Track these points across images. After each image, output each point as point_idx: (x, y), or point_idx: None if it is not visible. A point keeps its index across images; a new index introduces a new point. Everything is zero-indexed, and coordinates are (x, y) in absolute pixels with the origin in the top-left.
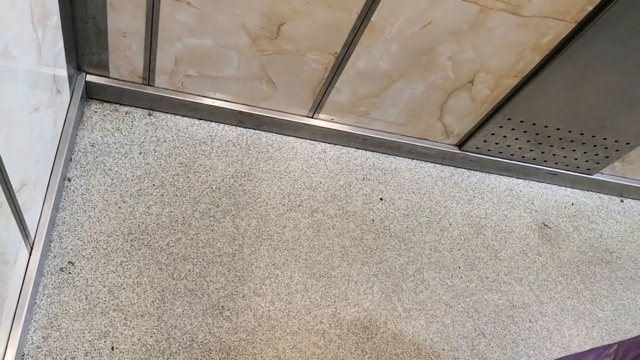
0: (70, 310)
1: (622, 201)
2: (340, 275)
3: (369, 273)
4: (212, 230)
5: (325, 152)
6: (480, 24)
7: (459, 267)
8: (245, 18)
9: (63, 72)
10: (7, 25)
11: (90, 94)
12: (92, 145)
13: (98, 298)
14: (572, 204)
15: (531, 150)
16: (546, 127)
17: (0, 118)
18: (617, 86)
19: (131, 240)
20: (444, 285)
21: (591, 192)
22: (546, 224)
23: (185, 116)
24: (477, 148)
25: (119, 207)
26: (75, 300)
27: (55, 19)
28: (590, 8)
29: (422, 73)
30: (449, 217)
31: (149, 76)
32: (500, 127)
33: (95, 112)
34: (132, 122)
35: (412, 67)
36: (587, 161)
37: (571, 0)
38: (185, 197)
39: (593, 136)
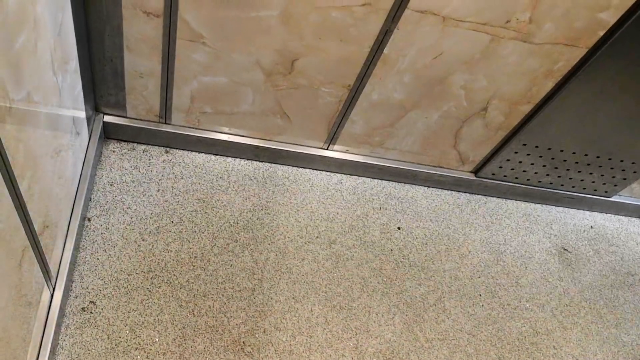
0: (93, 350)
1: None
2: (360, 306)
3: (390, 304)
4: (231, 265)
5: (342, 182)
6: (492, 53)
7: (480, 295)
8: (259, 55)
9: (82, 114)
10: (29, 73)
11: (108, 133)
12: (111, 185)
13: (120, 337)
14: (591, 227)
15: (547, 175)
16: (562, 151)
17: (25, 163)
18: (631, 108)
19: (151, 278)
20: (466, 314)
21: (610, 215)
22: (566, 248)
23: (202, 152)
24: (493, 174)
25: (139, 245)
26: (97, 340)
27: (74, 64)
28: (602, 33)
29: (435, 102)
30: (468, 245)
31: (165, 114)
32: (516, 152)
33: (114, 151)
34: (149, 160)
35: (426, 97)
36: (604, 184)
37: (582, 27)
38: (203, 232)
39: (609, 159)
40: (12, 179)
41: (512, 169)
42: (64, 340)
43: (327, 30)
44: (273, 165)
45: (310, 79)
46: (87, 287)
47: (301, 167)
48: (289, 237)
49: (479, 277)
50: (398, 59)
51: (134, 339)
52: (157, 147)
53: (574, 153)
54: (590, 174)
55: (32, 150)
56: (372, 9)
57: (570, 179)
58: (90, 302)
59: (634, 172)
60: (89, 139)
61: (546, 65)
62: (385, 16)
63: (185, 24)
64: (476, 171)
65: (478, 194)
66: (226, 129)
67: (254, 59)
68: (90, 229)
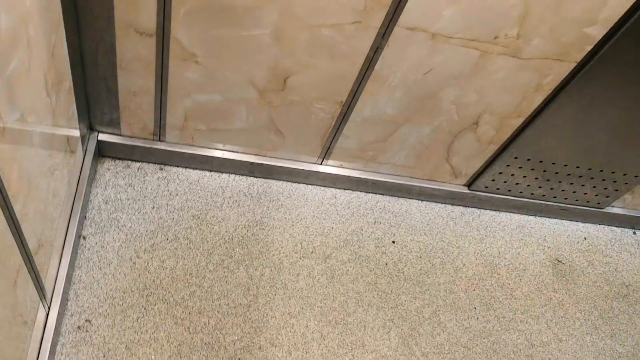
0: None
1: (634, 233)
2: (356, 321)
3: (385, 318)
4: (227, 282)
5: (336, 197)
6: (482, 68)
7: (475, 308)
8: (252, 73)
9: (76, 133)
10: (23, 95)
11: (103, 152)
12: (106, 202)
13: (116, 355)
14: (585, 238)
15: (540, 187)
16: (553, 163)
17: (19, 183)
18: (622, 120)
19: (146, 296)
20: (461, 327)
21: (603, 226)
22: (560, 260)
23: (196, 169)
24: (486, 187)
25: (134, 263)
26: (93, 358)
27: (67, 84)
28: (589, 48)
29: (427, 117)
30: (462, 257)
31: (159, 132)
32: (508, 165)
33: (108, 169)
34: (144, 177)
35: (417, 112)
36: (596, 195)
37: (570, 41)
38: (198, 249)
39: (601, 171)
40: (6, 199)
41: (505, 182)
42: (60, 359)
43: (319, 48)
44: (267, 180)
45: (303, 95)
46: (82, 306)
47: (295, 182)
48: (283, 253)
49: (474, 290)
50: (389, 75)
51: (129, 357)
52: (151, 165)
53: (565, 165)
54: (583, 185)
55: (26, 169)
56: (362, 26)
57: (563, 190)
58: (86, 320)
59: (626, 183)
60: (84, 157)
61: (535, 80)
62: (375, 33)
63: (177, 43)
64: (469, 184)
65: (471, 207)
66: (220, 146)
67: (247, 76)
68: (85, 247)
